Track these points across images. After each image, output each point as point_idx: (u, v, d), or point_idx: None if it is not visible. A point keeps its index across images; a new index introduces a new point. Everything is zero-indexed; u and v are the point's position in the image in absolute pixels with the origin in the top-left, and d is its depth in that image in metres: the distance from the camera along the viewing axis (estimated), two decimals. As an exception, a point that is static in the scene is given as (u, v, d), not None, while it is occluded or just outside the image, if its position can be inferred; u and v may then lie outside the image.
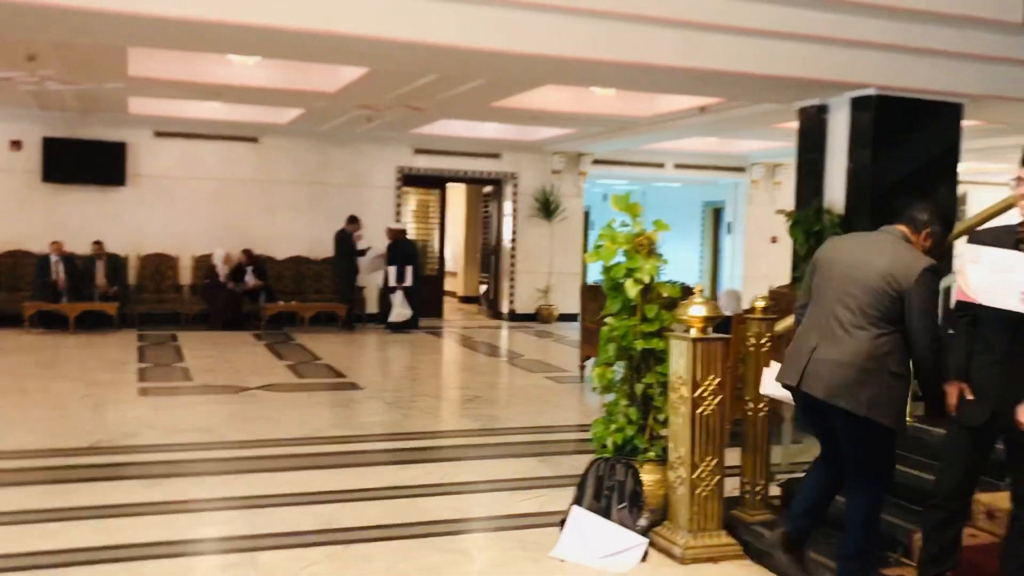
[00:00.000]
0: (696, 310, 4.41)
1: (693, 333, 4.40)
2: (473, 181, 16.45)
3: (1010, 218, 3.60)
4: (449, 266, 18.21)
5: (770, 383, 4.36)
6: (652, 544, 4.53)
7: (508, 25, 7.18)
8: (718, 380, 4.40)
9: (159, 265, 13.66)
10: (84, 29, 6.62)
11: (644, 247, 4.78)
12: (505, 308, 15.86)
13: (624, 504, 4.58)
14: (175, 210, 13.76)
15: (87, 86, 10.09)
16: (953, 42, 8.45)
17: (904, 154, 8.74)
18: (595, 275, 13.79)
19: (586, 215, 16.86)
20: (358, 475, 5.91)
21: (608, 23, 7.52)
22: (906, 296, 3.48)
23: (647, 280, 4.71)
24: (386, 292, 13.87)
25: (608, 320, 4.92)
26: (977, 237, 3.51)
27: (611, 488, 4.63)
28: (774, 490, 4.95)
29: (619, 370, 4.99)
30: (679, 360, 4.44)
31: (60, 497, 5.21)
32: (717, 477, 4.44)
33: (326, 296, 14.13)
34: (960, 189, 9.62)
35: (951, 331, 3.63)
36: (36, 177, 13.05)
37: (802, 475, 5.07)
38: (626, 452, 4.81)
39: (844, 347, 3.55)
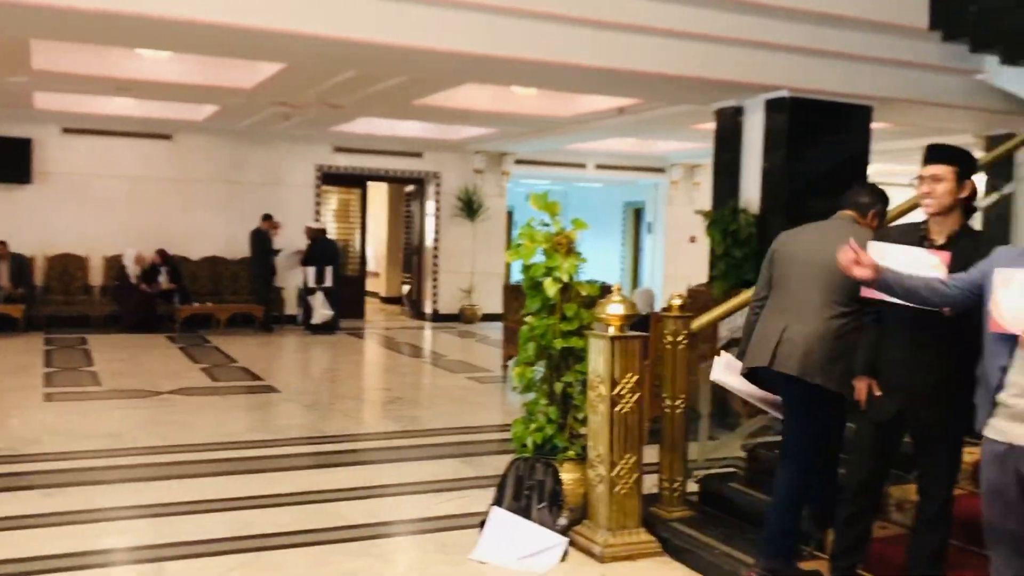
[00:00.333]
0: (614, 308, 4.42)
1: (611, 331, 4.41)
2: (395, 180, 16.31)
3: (916, 216, 3.68)
4: (371, 266, 18.02)
5: (720, 371, 4.42)
6: (572, 543, 4.53)
7: (428, 22, 7.11)
8: (636, 378, 4.41)
9: (68, 266, 13.17)
10: (-19, 19, 6.34)
11: (563, 246, 4.77)
12: (428, 308, 15.76)
13: (544, 504, 4.56)
14: (85, 209, 13.29)
15: (-13, 80, 9.67)
16: (863, 46, 8.67)
17: (817, 155, 8.94)
18: (518, 275, 13.84)
19: (509, 215, 16.86)
20: (274, 480, 5.77)
21: (528, 22, 7.52)
22: None
23: (566, 279, 4.71)
24: (305, 293, 13.65)
25: (528, 319, 4.90)
26: (883, 235, 3.58)
27: (531, 488, 4.61)
28: (692, 487, 4.99)
29: (539, 369, 4.98)
30: (598, 358, 4.44)
31: (-45, 509, 4.97)
32: (636, 475, 4.46)
33: (243, 297, 13.83)
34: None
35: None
36: (-65, 174, 12.48)
37: (720, 471, 5.17)
38: (546, 451, 4.79)
39: (814, 327, 3.72)
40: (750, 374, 4.06)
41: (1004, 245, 3.15)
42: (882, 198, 4.13)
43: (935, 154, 3.34)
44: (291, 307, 14.14)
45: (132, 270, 12.95)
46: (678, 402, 4.69)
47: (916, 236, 3.41)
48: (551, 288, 4.68)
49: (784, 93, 8.72)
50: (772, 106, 8.93)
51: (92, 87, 10.64)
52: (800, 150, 8.87)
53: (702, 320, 4.91)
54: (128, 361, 10.25)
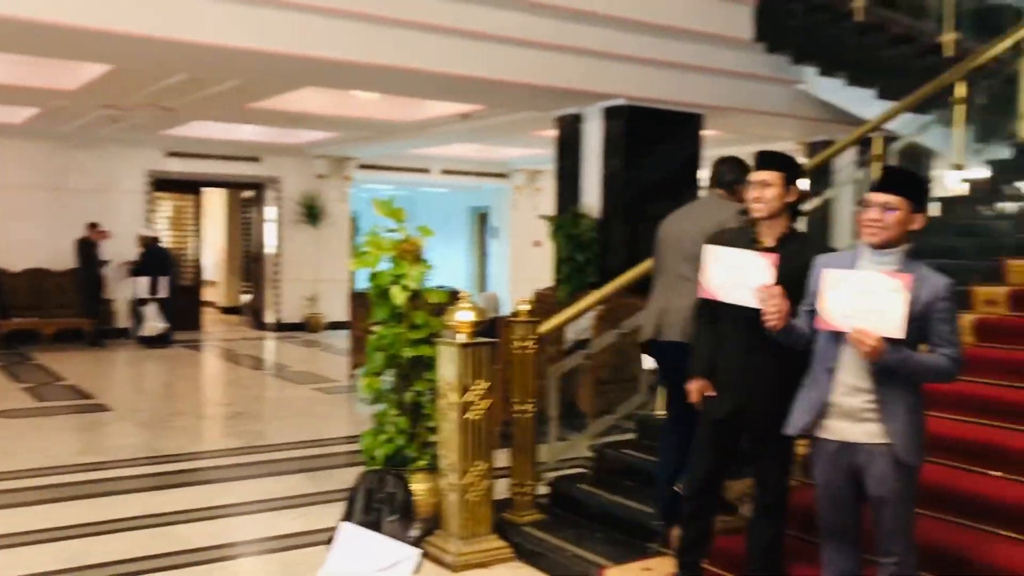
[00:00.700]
0: (464, 315, 4.41)
1: (461, 338, 4.39)
2: (232, 185, 15.77)
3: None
4: (208, 275, 17.35)
5: (649, 361, 4.56)
6: (425, 554, 4.48)
7: (263, 24, 6.91)
8: (487, 384, 4.41)
9: None
10: None
11: (410, 253, 4.72)
12: (270, 318, 15.30)
13: (395, 516, 4.49)
14: None
15: None
16: (694, 57, 9.04)
17: (653, 161, 9.26)
18: (364, 282, 13.63)
19: (353, 220, 16.60)
20: (107, 505, 5.43)
21: (368, 26, 7.43)
22: None
23: (414, 286, 4.65)
24: (138, 305, 12.99)
25: (376, 328, 4.82)
26: (717, 237, 3.71)
27: (381, 501, 4.53)
28: (543, 489, 5.03)
29: (388, 379, 4.90)
30: (448, 366, 4.42)
31: None
32: (487, 481, 4.46)
33: (70, 311, 12.99)
34: (701, 194, 10.29)
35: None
36: None
37: (569, 472, 5.24)
38: (397, 463, 4.72)
39: (690, 299, 3.85)
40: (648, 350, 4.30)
41: (823, 251, 3.32)
42: (746, 170, 4.16)
43: (764, 161, 3.49)
44: (124, 319, 13.41)
45: (-59, 284, 11.96)
46: (528, 406, 4.72)
47: (747, 239, 3.55)
48: (399, 296, 4.62)
49: (621, 101, 8.98)
50: (610, 114, 9.18)
51: None
52: (637, 156, 9.16)
53: (550, 324, 4.97)
54: (-62, 383, 9.46)
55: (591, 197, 9.41)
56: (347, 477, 5.69)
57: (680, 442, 4.07)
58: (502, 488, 4.80)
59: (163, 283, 12.94)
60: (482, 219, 19.21)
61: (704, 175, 10.19)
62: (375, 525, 4.47)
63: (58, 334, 12.53)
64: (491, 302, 7.62)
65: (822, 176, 7.98)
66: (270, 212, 15.22)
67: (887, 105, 7.81)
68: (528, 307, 4.79)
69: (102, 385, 9.85)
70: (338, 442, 7.28)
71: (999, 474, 3.88)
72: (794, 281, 3.19)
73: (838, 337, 3.02)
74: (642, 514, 4.44)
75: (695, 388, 3.65)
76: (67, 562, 4.47)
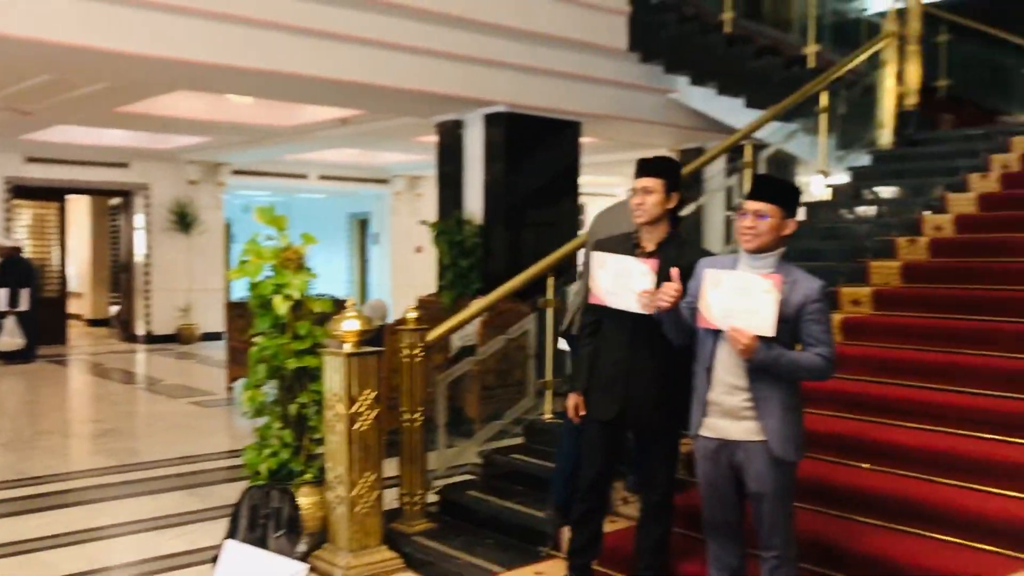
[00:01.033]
0: (349, 324, 4.34)
1: (347, 348, 4.33)
2: (98, 192, 15.09)
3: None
4: (73, 286, 16.55)
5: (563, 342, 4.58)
6: (313, 569, 4.38)
7: (134, 26, 6.66)
8: (374, 394, 4.36)
9: None
10: None
11: (292, 261, 4.62)
12: (141, 330, 14.70)
13: (281, 531, 4.38)
14: None
15: None
16: (572, 65, 9.20)
17: (534, 167, 9.36)
18: (240, 291, 13.25)
19: (227, 228, 16.13)
20: (-33, 534, 5.12)
21: (243, 29, 7.25)
22: None
23: (297, 296, 4.55)
24: (-4, 318, 12.27)
25: (257, 339, 4.69)
26: (601, 243, 3.79)
27: (267, 516, 4.41)
28: (433, 497, 5.01)
29: (271, 391, 4.78)
30: (334, 376, 4.34)
31: None
32: (376, 492, 4.40)
33: (-81, 327, 12.16)
34: (580, 200, 10.48)
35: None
36: None
37: (458, 480, 5.24)
38: (282, 477, 4.60)
39: None
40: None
41: (701, 255, 3.44)
42: (675, 172, 4.19)
43: (646, 167, 3.58)
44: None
45: None
46: (416, 415, 4.69)
47: (630, 244, 3.64)
48: (281, 306, 4.51)
49: (501, 108, 9.05)
50: (491, 120, 9.24)
51: None
52: (518, 162, 9.24)
53: (438, 331, 4.95)
54: None
55: (473, 203, 9.44)
56: (229, 493, 5.52)
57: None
58: (391, 498, 4.75)
59: (24, 295, 12.27)
60: (362, 225, 18.99)
61: (585, 181, 10.39)
62: (261, 542, 4.34)
63: (-94, 352, 11.72)
64: (379, 310, 7.53)
65: (694, 183, 8.24)
66: (139, 220, 14.62)
67: (755, 114, 8.13)
68: (416, 314, 4.76)
69: (-43, 405, 9.27)
70: (218, 457, 7.06)
71: (868, 466, 4.10)
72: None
73: (716, 337, 3.13)
74: (532, 518, 4.47)
75: (572, 404, 3.72)
76: (-76, 597, 4.19)
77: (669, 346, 3.37)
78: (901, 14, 7.69)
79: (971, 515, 3.57)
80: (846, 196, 7.07)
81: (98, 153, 13.59)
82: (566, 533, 4.00)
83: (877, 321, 5.25)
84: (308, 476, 4.59)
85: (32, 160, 13.38)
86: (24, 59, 7.10)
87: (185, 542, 4.97)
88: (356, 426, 4.31)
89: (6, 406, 9.80)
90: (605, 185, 18.64)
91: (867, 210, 6.81)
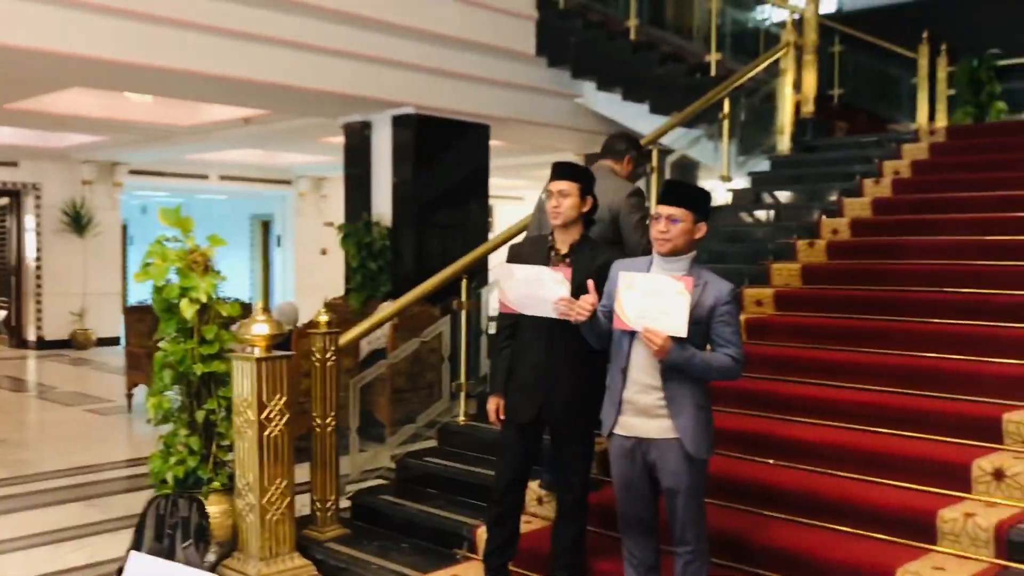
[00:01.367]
0: (259, 328, 4.26)
1: (257, 353, 4.24)
2: (-16, 192, 14.42)
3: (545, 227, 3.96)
4: (-44, 290, 15.75)
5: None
6: (222, 578, 4.29)
7: (25, 18, 6.40)
8: (285, 399, 4.29)
9: None
10: None
11: (199, 264, 4.50)
12: (32, 335, 14.09)
13: (190, 541, 4.27)
14: None
15: None
16: (480, 68, 9.23)
17: (443, 169, 9.36)
18: (139, 295, 12.83)
19: (124, 229, 15.61)
20: None
21: (142, 25, 7.05)
22: (620, 215, 4.18)
23: (204, 299, 4.44)
24: None
25: (162, 344, 4.55)
26: (515, 249, 3.82)
27: (174, 526, 4.29)
28: (345, 503, 4.95)
29: (176, 397, 4.64)
30: (243, 382, 4.25)
31: None
32: (288, 499, 4.32)
33: None
34: (489, 203, 10.54)
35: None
36: None
37: (371, 484, 5.19)
38: (189, 485, 4.47)
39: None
40: None
41: (613, 256, 3.51)
42: (636, 144, 4.60)
43: (561, 171, 3.62)
44: None
45: None
46: (329, 420, 4.63)
47: (545, 247, 3.68)
48: (188, 310, 4.38)
49: (410, 110, 9.02)
50: (399, 122, 9.20)
51: None
52: (427, 165, 9.24)
53: (350, 335, 4.90)
54: None
55: (382, 205, 9.38)
56: (131, 503, 5.37)
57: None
58: (302, 504, 4.67)
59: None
60: (264, 227, 18.62)
61: (494, 184, 10.44)
62: (168, 553, 4.23)
63: None
64: (290, 313, 7.40)
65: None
66: (30, 221, 14.02)
67: (659, 119, 8.31)
68: (327, 318, 4.69)
69: None
70: (117, 466, 6.84)
71: (772, 461, 4.24)
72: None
73: (631, 338, 3.19)
74: (447, 521, 4.47)
75: (492, 408, 3.76)
76: None
77: (586, 348, 3.42)
78: (798, 25, 7.97)
79: (870, 507, 3.73)
80: (748, 200, 7.29)
81: (-16, 151, 12.99)
82: (482, 535, 4.01)
83: (779, 321, 5.43)
84: (217, 484, 4.47)
85: (-90, 158, 12.72)
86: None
87: (85, 556, 4.79)
88: (266, 432, 4.23)
89: None
90: (514, 188, 18.75)
91: (768, 214, 7.04)
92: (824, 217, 6.37)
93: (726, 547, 3.64)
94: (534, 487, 4.31)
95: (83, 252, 14.20)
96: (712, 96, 7.19)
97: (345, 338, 4.80)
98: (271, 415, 4.24)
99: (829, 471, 4.07)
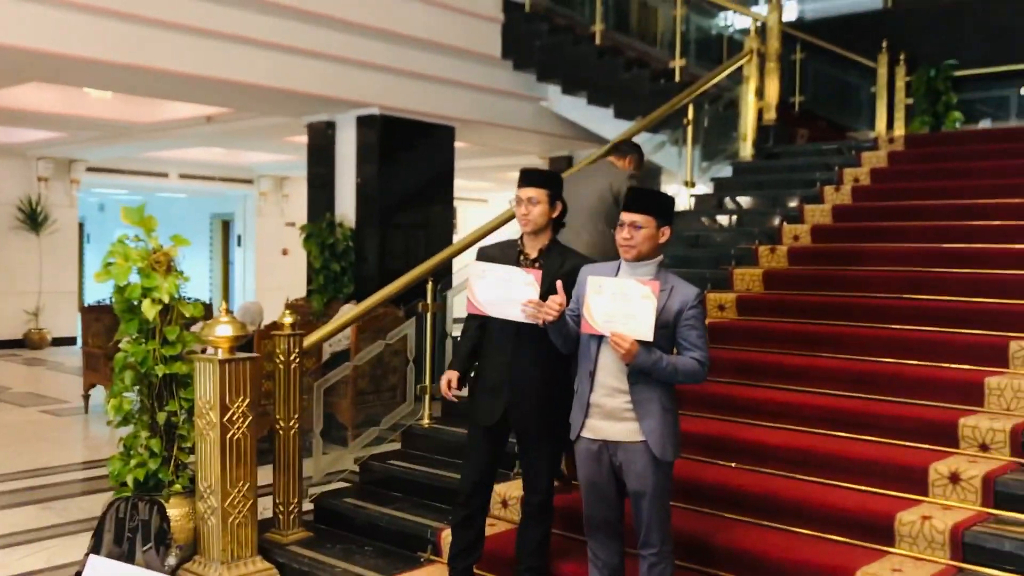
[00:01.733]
0: (223, 330, 4.22)
1: (220, 354, 4.20)
2: (-65, 188, 14.08)
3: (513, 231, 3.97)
4: (-95, 288, 15.38)
5: None
6: (183, 582, 4.24)
7: (-18, 12, 6.27)
8: (248, 401, 4.25)
9: None
10: None
11: (162, 264, 4.45)
12: (-17, 335, 13.82)
13: (150, 544, 4.21)
14: None
15: None
16: (446, 70, 9.23)
17: (407, 170, 9.34)
18: (96, 294, 12.61)
19: (81, 227, 15.34)
20: None
21: (104, 20, 6.97)
22: (620, 195, 4.49)
23: (167, 300, 4.39)
24: None
25: (123, 345, 4.49)
26: (484, 252, 3.82)
27: (134, 529, 4.24)
28: (308, 505, 4.92)
29: (136, 399, 4.58)
30: (206, 384, 4.21)
31: None
32: (250, 501, 4.29)
33: None
34: (453, 204, 10.54)
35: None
36: None
37: (334, 487, 5.16)
38: (149, 488, 4.42)
39: (582, 244, 4.19)
40: None
41: (582, 261, 3.53)
42: (638, 149, 5.16)
43: (530, 179, 3.62)
44: None
45: None
46: (292, 422, 4.59)
47: (514, 251, 3.69)
48: (151, 311, 4.33)
49: (375, 110, 9.00)
50: (363, 122, 9.17)
51: None
52: (392, 165, 9.22)
53: (315, 336, 4.87)
54: None
55: (346, 206, 9.34)
56: (89, 506, 5.30)
57: None
58: (264, 506, 4.63)
59: None
60: (225, 226, 18.42)
61: (459, 185, 10.44)
62: (128, 556, 4.18)
63: None
64: (255, 313, 7.32)
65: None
66: (-18, 218, 13.74)
67: (623, 124, 8.38)
68: (291, 319, 4.66)
69: None
70: (74, 468, 6.72)
71: (734, 464, 4.29)
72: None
73: (599, 342, 3.22)
74: (412, 524, 4.45)
75: (446, 380, 3.73)
76: None
77: (553, 351, 3.43)
78: (761, 32, 8.07)
79: (830, 509, 3.78)
80: (711, 206, 7.37)
81: (-65, 146, 12.72)
82: (446, 537, 4.01)
83: (741, 325, 5.49)
84: (178, 486, 4.42)
85: None
86: None
87: (41, 559, 4.71)
88: (229, 434, 4.19)
89: None
90: (478, 190, 18.76)
91: (730, 219, 7.11)
92: (785, 223, 6.46)
93: (690, 549, 3.67)
94: (499, 489, 4.31)
95: (38, 250, 13.93)
96: (677, 102, 7.25)
97: (310, 340, 4.77)
98: (234, 417, 4.21)
99: (790, 474, 4.13)
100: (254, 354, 4.47)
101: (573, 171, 5.79)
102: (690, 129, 7.41)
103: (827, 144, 8.01)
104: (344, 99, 8.73)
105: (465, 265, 4.48)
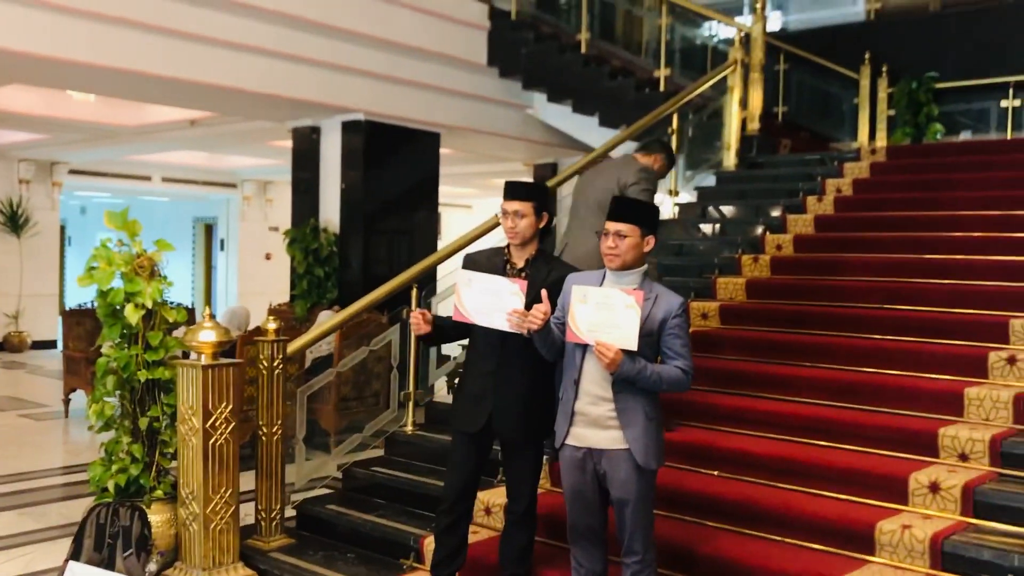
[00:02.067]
0: (206, 335, 4.21)
1: (204, 360, 4.19)
2: (-86, 189, 13.95)
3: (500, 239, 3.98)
4: None
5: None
6: (164, 589, 4.21)
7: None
8: (231, 407, 4.24)
9: None
10: None
11: (145, 269, 4.43)
12: (-38, 338, 13.69)
13: (131, 551, 4.18)
14: None
15: None
16: (432, 76, 9.25)
17: (392, 176, 9.34)
18: (78, 297, 12.53)
19: (62, 230, 15.23)
20: None
21: (89, 23, 6.94)
22: (625, 187, 4.61)
23: (150, 305, 4.37)
24: None
25: (105, 350, 4.47)
26: (470, 259, 3.83)
27: (115, 535, 4.21)
28: (290, 512, 4.90)
29: (118, 404, 4.55)
30: (189, 389, 4.19)
31: None
32: (232, 508, 4.27)
33: None
34: (438, 210, 10.54)
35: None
36: None
37: (316, 494, 5.15)
38: (131, 493, 4.39)
39: (592, 242, 4.08)
40: None
41: (567, 271, 3.55)
42: (668, 150, 5.15)
43: (516, 191, 3.63)
44: None
45: None
46: (275, 428, 4.58)
47: (500, 260, 3.70)
48: (134, 315, 4.31)
49: (360, 116, 9.00)
50: (349, 128, 9.17)
51: None
52: (376, 171, 9.21)
53: (300, 342, 4.86)
54: None
55: (330, 211, 9.33)
56: (68, 512, 5.27)
57: None
58: (246, 512, 4.61)
59: None
60: (208, 230, 18.34)
61: (443, 191, 10.44)
62: (108, 562, 4.15)
63: None
64: (242, 317, 7.29)
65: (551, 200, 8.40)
66: (-38, 220, 13.62)
67: (608, 132, 8.41)
68: (276, 325, 4.65)
69: None
70: (53, 473, 6.67)
71: (717, 473, 4.31)
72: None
73: (584, 350, 3.23)
74: (394, 531, 4.45)
75: (418, 315, 3.61)
76: None
77: (538, 359, 3.44)
78: (746, 43, 8.13)
79: (811, 518, 3.81)
80: (694, 215, 7.40)
81: (-85, 147, 12.61)
82: (429, 545, 4.01)
83: (724, 334, 5.52)
84: (160, 492, 4.40)
85: None
86: None
87: (19, 565, 4.67)
88: (212, 440, 4.18)
89: None
90: (463, 196, 18.77)
91: (714, 228, 7.15)
92: (768, 233, 6.50)
93: (672, 557, 3.68)
94: (483, 496, 4.32)
95: (19, 253, 13.81)
96: (661, 111, 7.28)
97: (294, 346, 4.75)
98: (217, 423, 4.20)
99: (772, 483, 4.15)
100: (237, 360, 4.45)
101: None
102: (674, 138, 7.44)
103: (810, 154, 8.06)
104: (329, 104, 8.72)
105: (450, 272, 4.48)
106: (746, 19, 8.67)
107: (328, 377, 5.77)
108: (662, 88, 8.65)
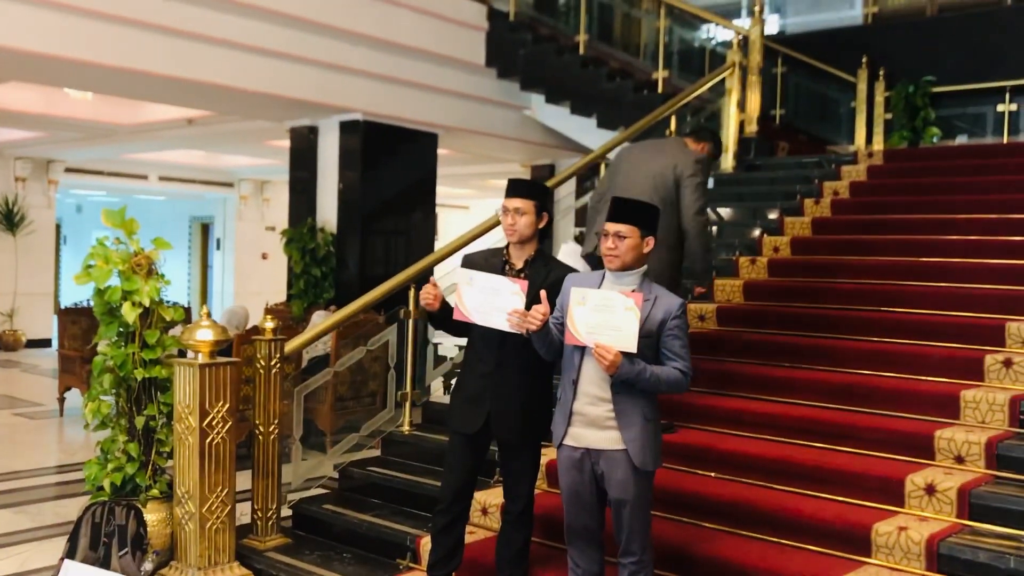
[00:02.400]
0: (203, 334, 4.20)
1: (201, 359, 4.18)
2: (-90, 187, 13.91)
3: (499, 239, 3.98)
4: None
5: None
6: (159, 588, 4.21)
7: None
8: (228, 406, 4.23)
9: None
10: None
11: (143, 267, 4.42)
12: (-43, 336, 13.65)
13: (126, 549, 4.17)
14: None
15: None
16: (430, 77, 9.25)
17: (390, 176, 9.34)
18: (73, 296, 12.50)
19: (58, 228, 15.19)
20: None
21: (87, 21, 6.93)
22: (683, 176, 4.50)
23: (147, 303, 4.36)
24: None
25: (102, 348, 4.46)
26: (470, 259, 3.82)
27: (110, 534, 4.20)
28: (286, 511, 4.89)
29: (114, 403, 4.54)
30: (186, 388, 4.18)
31: None
32: (228, 507, 4.26)
33: None
34: (436, 210, 10.53)
35: None
36: None
37: (313, 493, 5.14)
38: (126, 492, 4.39)
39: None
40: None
41: (567, 271, 3.55)
42: (716, 139, 5.11)
43: (517, 189, 3.63)
44: None
45: None
46: (272, 428, 4.57)
47: (499, 260, 3.70)
48: (131, 314, 4.30)
49: (358, 116, 8.99)
50: (346, 128, 9.16)
51: None
52: (374, 171, 9.21)
53: (297, 341, 4.86)
54: None
55: (327, 211, 9.32)
56: (63, 510, 5.25)
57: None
58: (242, 512, 4.61)
59: None
60: (204, 229, 18.32)
61: (441, 191, 10.43)
62: (104, 561, 4.14)
63: None
64: (241, 317, 7.28)
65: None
66: (-43, 218, 13.59)
67: (606, 134, 8.41)
68: (273, 324, 4.64)
69: None
70: (48, 472, 6.65)
71: (714, 474, 4.31)
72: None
73: (583, 351, 3.23)
74: (390, 531, 4.44)
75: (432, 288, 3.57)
76: None
77: (536, 359, 3.44)
78: (744, 45, 8.14)
79: (808, 520, 3.81)
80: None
81: (-89, 144, 12.58)
82: (426, 545, 4.00)
83: (721, 336, 5.52)
84: (155, 491, 4.39)
85: None
86: None
87: (14, 564, 4.65)
88: (208, 439, 4.17)
89: None
90: (460, 197, 18.77)
91: (711, 230, 7.14)
92: (766, 235, 6.50)
93: (669, 558, 3.68)
94: (479, 497, 4.31)
95: (14, 251, 13.78)
96: (659, 113, 7.29)
97: (291, 345, 4.75)
98: (213, 422, 4.19)
99: (768, 484, 4.15)
100: (234, 359, 4.44)
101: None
102: (673, 140, 7.44)
103: (807, 157, 8.07)
104: (327, 104, 8.72)
105: (447, 272, 4.48)
106: (744, 22, 8.68)
107: (325, 377, 5.77)
108: (660, 90, 8.67)
